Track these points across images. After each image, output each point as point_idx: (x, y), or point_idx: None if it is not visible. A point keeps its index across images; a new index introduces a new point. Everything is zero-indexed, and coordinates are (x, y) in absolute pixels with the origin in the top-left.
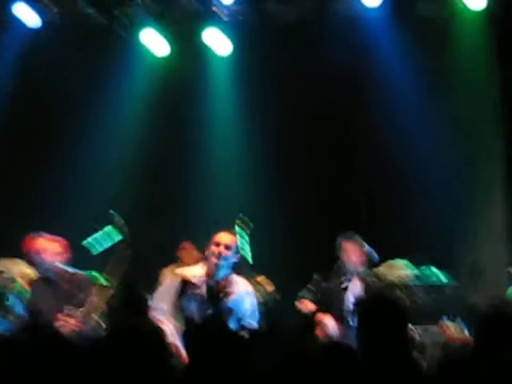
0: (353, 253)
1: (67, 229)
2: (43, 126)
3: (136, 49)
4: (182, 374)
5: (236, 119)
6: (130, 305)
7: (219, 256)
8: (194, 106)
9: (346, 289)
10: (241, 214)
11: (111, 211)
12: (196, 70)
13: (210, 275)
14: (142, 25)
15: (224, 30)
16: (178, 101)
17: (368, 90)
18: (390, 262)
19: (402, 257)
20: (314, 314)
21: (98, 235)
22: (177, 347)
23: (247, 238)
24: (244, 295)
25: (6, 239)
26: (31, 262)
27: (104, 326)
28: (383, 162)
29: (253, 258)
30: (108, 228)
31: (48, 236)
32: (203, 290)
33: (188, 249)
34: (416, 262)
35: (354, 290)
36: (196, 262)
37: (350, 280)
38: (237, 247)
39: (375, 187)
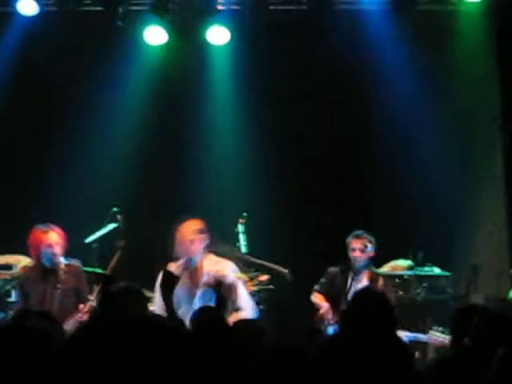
0: (358, 250)
1: (68, 222)
2: (43, 116)
3: (134, 37)
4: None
5: (234, 110)
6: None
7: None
8: (191, 96)
9: (350, 288)
10: (244, 214)
11: (114, 209)
12: (193, 59)
13: (185, 267)
14: (139, 14)
15: (221, 20)
16: (175, 90)
17: (367, 83)
18: (394, 262)
19: (404, 257)
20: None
21: (100, 233)
22: None
23: (242, 226)
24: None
25: (7, 232)
26: (32, 253)
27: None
28: (384, 159)
29: (249, 248)
30: (110, 226)
31: (50, 226)
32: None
33: None
34: (418, 263)
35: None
36: None
37: (356, 279)
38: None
39: (376, 185)
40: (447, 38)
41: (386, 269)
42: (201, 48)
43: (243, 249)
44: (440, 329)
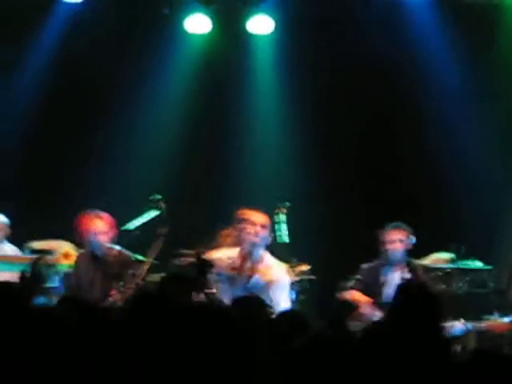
0: (393, 242)
1: (110, 209)
2: (86, 103)
3: (178, 26)
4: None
5: (276, 100)
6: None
7: (257, 235)
8: (234, 85)
9: (384, 283)
10: (287, 203)
11: (154, 195)
12: (237, 48)
13: (245, 257)
14: (184, 2)
15: (266, 9)
16: (218, 79)
17: (410, 77)
18: (435, 254)
19: (446, 250)
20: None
21: (139, 219)
22: None
23: (284, 216)
24: (277, 283)
25: (49, 217)
26: (80, 239)
27: None
28: (426, 151)
29: (290, 238)
30: (149, 212)
31: (99, 214)
32: (231, 273)
33: (227, 235)
34: (460, 256)
35: (393, 283)
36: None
37: (391, 272)
38: (271, 227)
39: (417, 178)
40: (492, 31)
41: (427, 261)
42: (245, 37)
43: (285, 238)
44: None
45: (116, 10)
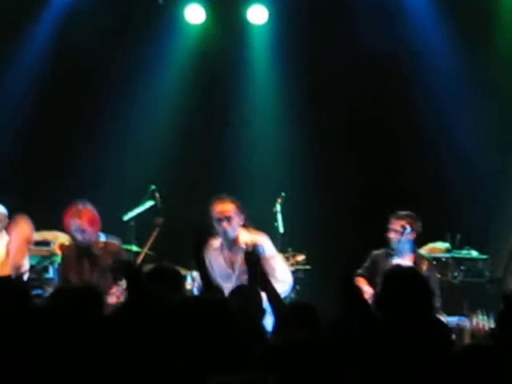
0: (394, 231)
1: (105, 199)
2: (83, 94)
3: (174, 16)
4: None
5: (273, 90)
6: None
7: (225, 232)
8: (231, 76)
9: None
10: (283, 194)
11: (152, 186)
12: (233, 38)
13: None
14: None
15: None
16: (215, 69)
17: (407, 68)
18: (431, 244)
19: (442, 240)
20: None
21: (137, 210)
22: None
23: (279, 206)
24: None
25: (45, 208)
26: (69, 230)
27: None
28: (424, 141)
29: (286, 229)
30: (145, 203)
31: (79, 209)
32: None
33: None
34: (456, 245)
35: None
36: None
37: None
38: (236, 211)
39: (413, 169)
40: (489, 23)
41: (423, 251)
42: (240, 27)
43: (280, 229)
44: (483, 314)
45: (111, 1)
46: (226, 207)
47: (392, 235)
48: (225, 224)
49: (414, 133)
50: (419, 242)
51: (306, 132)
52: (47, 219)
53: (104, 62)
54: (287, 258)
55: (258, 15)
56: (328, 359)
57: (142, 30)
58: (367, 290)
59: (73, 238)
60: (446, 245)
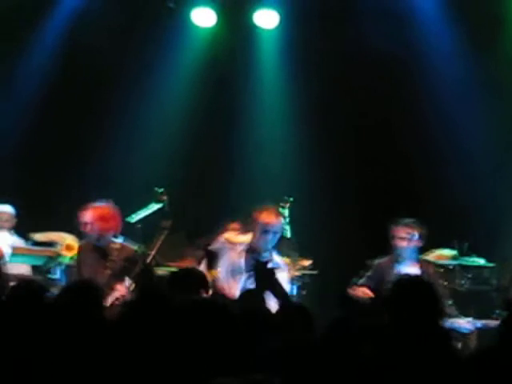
0: (398, 239)
1: (113, 202)
2: (91, 95)
3: (182, 19)
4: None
5: (281, 93)
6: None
7: (267, 244)
8: (239, 79)
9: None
10: (286, 197)
11: (157, 188)
12: (242, 42)
13: (254, 250)
14: None
15: (271, 3)
16: (223, 72)
17: (415, 70)
18: (438, 251)
19: (449, 247)
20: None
21: (142, 212)
22: None
23: (286, 210)
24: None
25: (50, 210)
26: (83, 231)
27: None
28: (430, 147)
29: (293, 233)
30: (153, 205)
31: (94, 205)
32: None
33: (233, 228)
34: (463, 253)
35: None
36: None
37: (403, 269)
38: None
39: (421, 174)
40: (497, 25)
41: (430, 258)
42: (249, 31)
43: (287, 234)
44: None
45: (121, 3)
46: (277, 220)
47: (399, 243)
48: (270, 237)
49: (422, 137)
50: (426, 248)
51: (314, 135)
52: (54, 220)
53: (113, 63)
54: (294, 263)
55: (267, 19)
56: (325, 360)
57: (152, 33)
58: (368, 294)
59: (89, 237)
60: (454, 252)
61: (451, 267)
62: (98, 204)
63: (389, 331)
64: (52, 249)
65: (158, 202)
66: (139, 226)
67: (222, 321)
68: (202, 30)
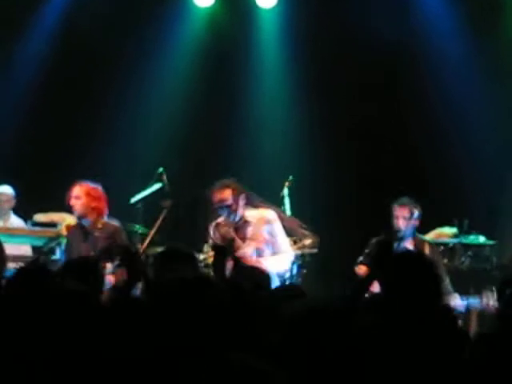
0: (402, 218)
1: (113, 182)
2: (90, 78)
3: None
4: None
5: (282, 72)
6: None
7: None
8: (239, 59)
9: None
10: (290, 177)
11: (160, 169)
12: (241, 22)
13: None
14: None
15: None
16: (223, 52)
17: (417, 55)
18: (438, 229)
19: (449, 225)
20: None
21: (144, 194)
22: None
23: (287, 190)
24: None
25: (52, 190)
26: (70, 205)
27: None
28: (431, 127)
29: (293, 211)
30: (154, 186)
31: (87, 184)
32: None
33: None
34: (464, 231)
35: None
36: None
37: (400, 248)
38: (234, 196)
39: (423, 154)
40: (499, 9)
41: (430, 236)
42: (249, 10)
43: (287, 213)
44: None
45: None
46: (222, 195)
47: (401, 222)
48: (225, 212)
49: (422, 118)
50: (428, 226)
51: (315, 113)
52: (55, 202)
53: (112, 45)
54: (294, 242)
55: None
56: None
57: (151, 13)
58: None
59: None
60: (454, 230)
61: (451, 245)
62: (86, 182)
63: (388, 307)
64: (52, 229)
65: (157, 182)
66: (139, 206)
67: (211, 299)
68: (201, 10)
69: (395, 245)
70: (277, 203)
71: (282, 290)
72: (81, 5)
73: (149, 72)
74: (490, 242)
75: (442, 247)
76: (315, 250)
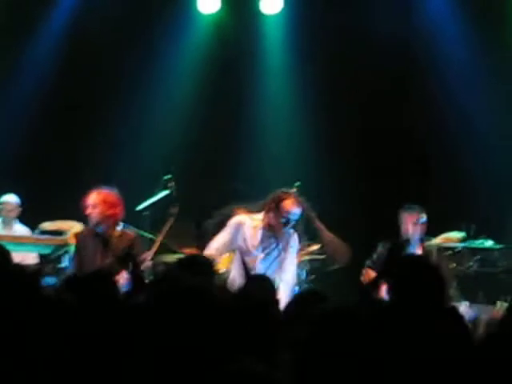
0: (411, 224)
1: (121, 189)
2: (98, 82)
3: (187, 5)
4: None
5: (287, 78)
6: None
7: (286, 226)
8: (245, 64)
9: None
10: (298, 183)
11: (166, 176)
12: (246, 27)
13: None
14: None
15: None
16: (229, 57)
17: (421, 56)
18: (446, 234)
19: (454, 228)
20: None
21: (151, 201)
22: None
23: None
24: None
25: (60, 199)
26: (86, 214)
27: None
28: (439, 130)
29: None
30: (162, 193)
31: (101, 189)
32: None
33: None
34: (472, 235)
35: None
36: None
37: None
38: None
39: (431, 157)
40: (503, 9)
41: (438, 240)
42: (253, 17)
43: None
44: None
45: None
46: (298, 210)
47: (409, 227)
48: (289, 225)
49: (430, 123)
50: (436, 229)
51: (320, 119)
52: (62, 208)
53: (119, 50)
54: (301, 248)
55: (272, 4)
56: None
57: (157, 19)
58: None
59: (89, 222)
60: (462, 234)
61: (459, 250)
62: (102, 189)
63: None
64: (59, 237)
65: (165, 188)
66: (147, 213)
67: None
68: (207, 16)
69: (405, 248)
70: None
71: (304, 295)
72: (88, 10)
73: (155, 78)
74: (498, 246)
75: (449, 251)
76: (323, 256)
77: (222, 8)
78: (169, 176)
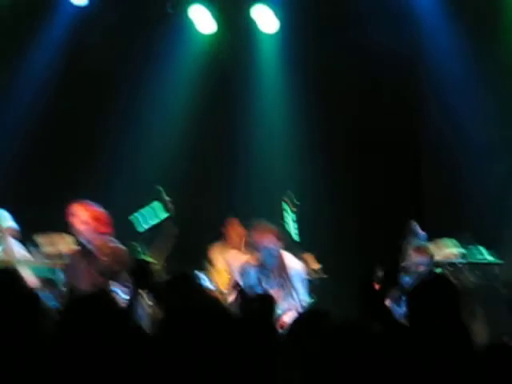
0: (423, 265)
1: (114, 202)
2: (92, 99)
3: (184, 25)
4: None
5: (282, 97)
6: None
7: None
8: (239, 84)
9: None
10: (288, 191)
11: (159, 187)
12: (242, 47)
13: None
14: (190, 1)
15: (271, 7)
16: (224, 78)
17: (416, 69)
18: (438, 240)
19: (449, 236)
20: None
21: (144, 210)
22: None
23: (293, 215)
24: (296, 271)
25: (53, 213)
26: (72, 232)
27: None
28: (433, 140)
29: (299, 235)
30: (155, 204)
31: (89, 206)
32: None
33: (234, 225)
34: (464, 242)
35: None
36: (241, 238)
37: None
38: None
39: (424, 166)
40: (497, 20)
41: (438, 257)
42: (249, 32)
43: (295, 237)
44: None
45: (120, 10)
46: (270, 241)
47: (422, 269)
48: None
49: (426, 133)
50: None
51: (316, 132)
52: (53, 221)
53: (116, 65)
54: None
55: (268, 24)
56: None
57: (153, 35)
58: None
59: (77, 238)
60: (453, 240)
61: (458, 265)
62: (91, 204)
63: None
64: (61, 261)
65: (162, 204)
66: (146, 234)
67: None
68: (203, 35)
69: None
70: (278, 218)
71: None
72: (87, 25)
73: (152, 92)
74: (498, 261)
75: (448, 266)
76: (325, 276)
77: (219, 28)
78: (160, 188)
